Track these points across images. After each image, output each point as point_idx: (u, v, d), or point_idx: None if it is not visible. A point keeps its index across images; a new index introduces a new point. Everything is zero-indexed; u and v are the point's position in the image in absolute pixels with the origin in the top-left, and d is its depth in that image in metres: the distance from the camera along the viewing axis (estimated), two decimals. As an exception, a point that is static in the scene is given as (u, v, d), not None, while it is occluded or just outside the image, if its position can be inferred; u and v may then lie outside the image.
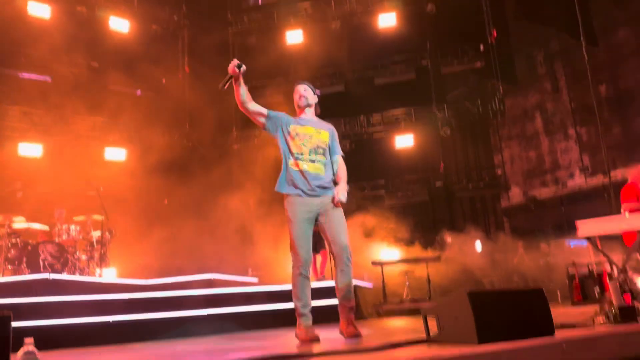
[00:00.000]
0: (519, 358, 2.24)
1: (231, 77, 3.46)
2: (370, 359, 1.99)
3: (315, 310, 3.67)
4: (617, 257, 5.31)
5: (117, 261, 8.50)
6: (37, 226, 7.45)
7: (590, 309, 4.21)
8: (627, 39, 13.52)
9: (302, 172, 3.59)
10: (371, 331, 4.57)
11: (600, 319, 3.14)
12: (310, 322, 3.55)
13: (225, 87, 3.53)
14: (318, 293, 4.65)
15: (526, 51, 15.56)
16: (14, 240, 6.99)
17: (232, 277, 7.67)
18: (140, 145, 11.36)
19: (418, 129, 12.86)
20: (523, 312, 2.53)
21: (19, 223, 7.23)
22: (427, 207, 13.67)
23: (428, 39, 12.91)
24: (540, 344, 2.34)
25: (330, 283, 5.31)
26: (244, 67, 3.44)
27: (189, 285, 6.42)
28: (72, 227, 7.48)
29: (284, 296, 4.70)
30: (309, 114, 3.85)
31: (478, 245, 12.07)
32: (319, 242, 6.82)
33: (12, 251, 6.91)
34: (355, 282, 7.21)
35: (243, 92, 3.58)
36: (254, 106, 3.69)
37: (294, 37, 12.75)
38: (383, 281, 8.36)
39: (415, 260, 8.82)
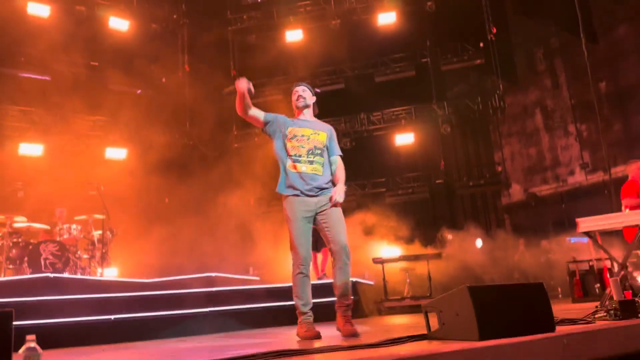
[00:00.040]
0: (520, 353, 2.24)
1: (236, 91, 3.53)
2: (371, 355, 1.99)
3: (316, 308, 3.68)
4: (617, 253, 5.32)
5: (118, 260, 8.51)
6: (38, 225, 7.45)
7: (591, 305, 4.22)
8: (627, 36, 13.50)
9: (300, 173, 3.60)
10: (372, 328, 4.58)
11: (601, 314, 3.15)
12: (311, 319, 3.56)
13: (229, 94, 3.58)
14: (319, 291, 4.65)
15: (526, 48, 15.55)
16: (15, 240, 7.00)
17: (233, 276, 7.68)
18: (141, 144, 11.36)
19: (418, 126, 12.85)
20: (524, 307, 2.54)
21: (20, 222, 7.23)
22: (428, 204, 13.66)
23: (428, 37, 12.89)
24: (541, 339, 2.35)
25: (331, 281, 5.31)
26: (252, 91, 3.53)
27: (190, 283, 6.43)
28: (73, 226, 7.49)
29: (285, 294, 4.71)
30: (307, 114, 3.86)
31: (479, 243, 12.08)
32: (319, 240, 6.82)
33: (14, 250, 6.92)
34: (356, 279, 7.24)
35: (245, 105, 3.64)
36: (252, 112, 3.71)
37: (294, 35, 12.74)
38: (384, 279, 8.37)
39: (416, 258, 8.84)
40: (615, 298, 3.36)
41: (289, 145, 3.65)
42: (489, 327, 2.34)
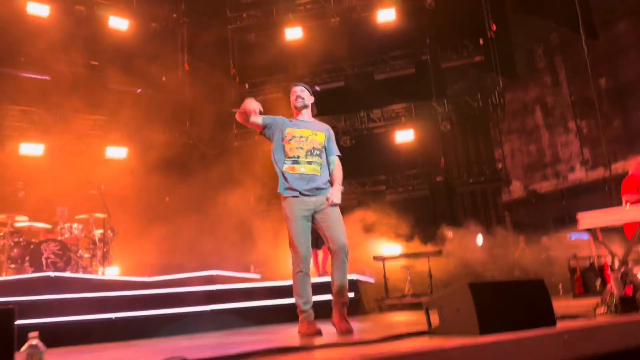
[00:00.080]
0: (521, 349, 2.25)
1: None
2: (372, 351, 2.00)
3: (317, 305, 3.70)
4: (618, 249, 5.32)
5: (119, 259, 8.53)
6: (39, 225, 7.46)
7: (592, 302, 4.23)
8: (626, 32, 13.49)
9: (298, 175, 3.62)
10: (373, 325, 4.59)
11: (602, 310, 3.15)
12: (312, 317, 3.58)
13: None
14: (319, 288, 4.67)
15: (526, 45, 15.53)
16: (16, 239, 7.01)
17: (234, 274, 7.70)
18: (141, 143, 11.37)
19: (418, 123, 12.84)
20: (524, 303, 2.54)
21: (22, 222, 7.24)
22: (428, 201, 13.67)
23: (427, 34, 12.87)
24: (542, 334, 2.36)
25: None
26: (261, 111, 3.62)
27: (192, 282, 6.45)
28: (75, 225, 7.50)
29: (286, 292, 4.71)
30: (306, 115, 3.88)
31: (479, 240, 12.08)
32: (319, 238, 6.83)
33: (15, 250, 6.93)
34: (357, 277, 7.25)
35: (250, 120, 3.70)
36: (252, 119, 3.73)
37: (293, 33, 12.73)
38: (385, 276, 8.39)
39: (417, 255, 8.85)
40: (615, 294, 3.37)
41: (287, 147, 3.66)
42: (490, 323, 2.34)
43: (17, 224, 7.19)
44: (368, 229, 10.69)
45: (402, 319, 5.41)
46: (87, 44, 11.19)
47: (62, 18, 10.71)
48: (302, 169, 3.62)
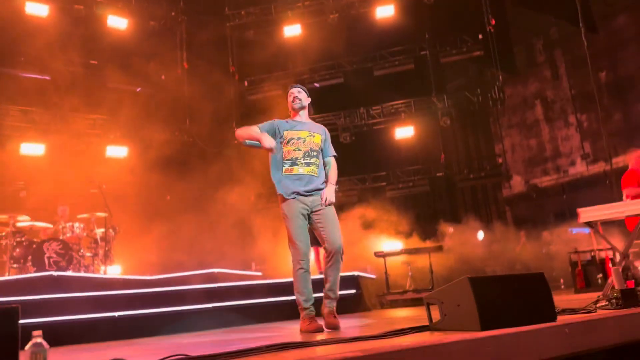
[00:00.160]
0: (522, 343, 2.26)
1: (258, 145, 3.65)
2: (374, 346, 2.01)
3: (318, 302, 3.71)
4: (618, 243, 5.33)
5: (121, 258, 8.54)
6: (41, 224, 7.48)
7: (593, 296, 4.24)
8: (626, 25, 13.46)
9: (296, 176, 3.66)
10: (375, 321, 4.61)
11: (603, 303, 3.16)
12: (313, 314, 3.61)
13: (250, 146, 3.78)
14: (320, 285, 4.67)
15: (525, 39, 15.51)
16: (18, 239, 7.03)
17: (235, 271, 7.72)
18: (141, 142, 11.37)
19: (418, 119, 12.83)
20: (525, 297, 2.55)
21: (23, 222, 7.26)
22: (429, 197, 13.67)
23: (426, 29, 12.83)
24: (543, 328, 2.36)
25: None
26: (275, 150, 3.67)
27: (194, 280, 6.47)
28: (76, 224, 7.51)
29: (287, 289, 4.72)
30: (303, 116, 3.91)
31: (480, 235, 12.09)
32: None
33: (17, 250, 6.95)
34: (358, 273, 7.27)
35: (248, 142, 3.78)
36: (253, 136, 3.75)
37: (292, 30, 12.71)
38: (386, 272, 8.40)
39: (418, 251, 8.85)
40: (617, 287, 3.37)
41: (285, 149, 3.71)
42: (491, 317, 2.35)
43: (19, 224, 7.21)
44: (368, 226, 10.70)
45: (404, 315, 5.43)
46: (86, 43, 11.18)
47: (61, 17, 10.69)
48: (301, 170, 3.67)
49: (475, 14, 12.39)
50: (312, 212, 3.67)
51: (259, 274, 8.84)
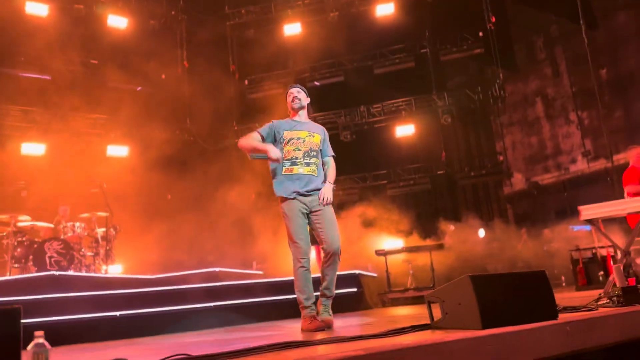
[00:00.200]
0: (523, 341, 2.26)
1: (265, 157, 3.68)
2: (376, 345, 2.01)
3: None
4: (619, 240, 5.33)
5: (122, 257, 8.55)
6: (42, 224, 7.48)
7: (595, 293, 4.23)
8: (627, 22, 13.43)
9: (296, 176, 3.68)
10: (376, 319, 4.61)
11: (604, 301, 3.16)
12: (314, 312, 3.62)
13: (257, 158, 3.83)
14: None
15: (526, 37, 15.49)
16: (20, 239, 7.03)
17: (236, 270, 7.72)
18: (142, 141, 11.37)
19: (419, 117, 12.82)
20: (526, 295, 2.55)
21: (24, 222, 7.26)
22: (430, 195, 13.67)
23: (427, 27, 12.82)
24: (544, 326, 2.36)
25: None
26: (281, 160, 3.68)
27: (195, 279, 6.47)
28: (77, 224, 7.51)
29: (288, 287, 4.74)
30: (303, 116, 3.93)
31: (481, 233, 12.09)
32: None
33: (19, 249, 6.95)
34: (359, 271, 7.28)
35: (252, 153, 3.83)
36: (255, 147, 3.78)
37: (292, 28, 12.70)
38: (387, 270, 8.39)
39: (419, 249, 8.85)
40: (618, 285, 3.37)
41: (285, 149, 3.73)
42: (492, 315, 2.35)
43: (20, 224, 7.21)
44: (369, 224, 10.69)
45: (405, 313, 5.43)
46: (87, 42, 11.19)
47: (61, 17, 10.70)
48: (301, 169, 3.69)
49: (476, 11, 12.38)
50: (310, 212, 3.69)
51: (261, 272, 8.84)
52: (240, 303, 5.80)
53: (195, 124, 12.27)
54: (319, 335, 3.03)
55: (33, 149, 10.29)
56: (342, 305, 6.19)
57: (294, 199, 3.65)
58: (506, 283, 2.59)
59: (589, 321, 2.53)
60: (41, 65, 10.52)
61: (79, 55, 11.03)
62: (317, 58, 12.76)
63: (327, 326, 3.54)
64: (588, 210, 5.05)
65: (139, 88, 12.05)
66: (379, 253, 8.66)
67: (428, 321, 2.69)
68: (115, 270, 7.90)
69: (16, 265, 6.92)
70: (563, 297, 5.22)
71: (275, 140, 3.79)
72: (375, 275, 8.47)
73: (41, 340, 1.76)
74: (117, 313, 5.01)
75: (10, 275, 6.69)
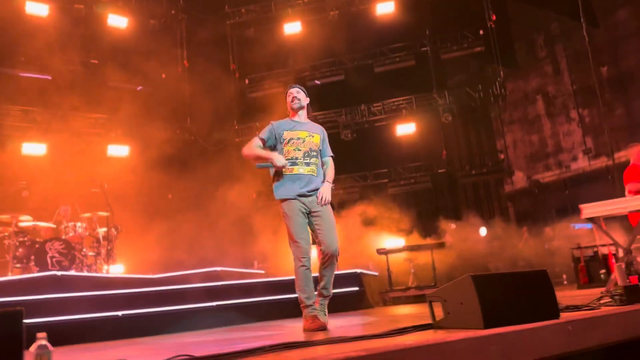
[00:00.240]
0: (525, 340, 2.26)
1: (270, 166, 3.72)
2: (377, 345, 2.01)
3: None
4: (620, 238, 5.32)
5: (123, 257, 8.56)
6: (43, 224, 7.49)
7: (596, 291, 4.23)
8: (627, 20, 13.41)
9: (296, 176, 3.69)
10: (377, 318, 4.61)
11: (606, 300, 3.15)
12: (316, 311, 3.62)
13: (262, 167, 3.83)
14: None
15: (526, 34, 15.46)
16: (21, 239, 7.04)
17: (238, 270, 7.72)
18: (142, 141, 11.37)
19: (419, 116, 12.81)
20: (528, 295, 2.55)
21: (26, 222, 7.27)
22: (430, 194, 13.67)
23: (427, 25, 12.81)
24: (546, 325, 2.36)
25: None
26: (286, 166, 3.71)
27: (197, 278, 6.47)
28: (78, 224, 7.52)
29: (290, 287, 4.75)
30: (302, 116, 3.93)
31: (482, 231, 12.08)
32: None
33: (20, 249, 6.96)
34: (360, 270, 7.28)
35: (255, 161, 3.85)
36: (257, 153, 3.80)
37: (292, 27, 12.69)
38: (388, 269, 8.39)
39: (420, 248, 8.85)
40: (619, 283, 3.37)
41: (285, 149, 3.74)
42: (494, 315, 2.35)
43: (21, 224, 7.22)
44: (370, 223, 10.69)
45: (406, 312, 5.43)
46: (87, 42, 11.19)
47: (61, 17, 10.69)
48: (301, 170, 3.70)
49: (476, 9, 12.36)
50: (310, 212, 3.69)
51: (262, 272, 8.85)
52: (241, 303, 5.80)
53: (196, 124, 12.27)
54: (321, 335, 3.03)
55: (34, 149, 10.29)
56: (343, 304, 6.19)
57: (294, 199, 3.66)
58: (508, 282, 2.59)
59: (591, 320, 2.53)
60: (41, 65, 10.52)
61: (79, 55, 11.03)
62: (318, 57, 12.75)
63: (322, 327, 3.53)
64: (589, 209, 5.05)
65: (139, 88, 12.05)
66: (380, 252, 8.66)
67: (430, 320, 2.69)
68: (116, 270, 7.90)
69: (18, 265, 6.93)
70: (564, 295, 5.22)
71: (276, 141, 3.79)
72: (376, 274, 8.47)
73: (44, 342, 1.76)
74: (119, 313, 5.01)
75: (11, 275, 6.69)
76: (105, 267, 7.50)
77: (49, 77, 10.75)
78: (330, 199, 3.72)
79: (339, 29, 12.31)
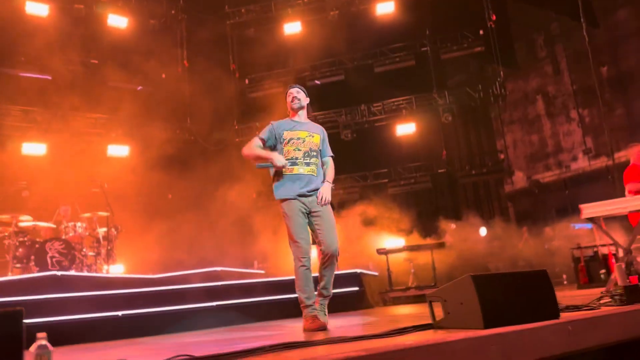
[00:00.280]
0: (525, 340, 2.26)
1: (270, 166, 3.72)
2: (377, 345, 2.01)
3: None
4: (620, 238, 5.32)
5: (123, 257, 8.56)
6: (43, 224, 7.49)
7: (596, 291, 4.23)
8: (627, 20, 13.41)
9: (296, 176, 3.69)
10: (377, 318, 4.61)
11: (606, 300, 3.15)
12: (316, 311, 3.62)
13: (262, 167, 3.84)
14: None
15: (526, 34, 15.46)
16: (21, 239, 7.04)
17: (238, 270, 7.72)
18: (142, 141, 11.37)
19: (419, 116, 12.82)
20: (528, 295, 2.55)
21: (26, 222, 7.27)
22: (430, 194, 13.67)
23: (427, 25, 12.81)
24: (546, 325, 2.36)
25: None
26: (287, 167, 3.71)
27: (197, 278, 6.47)
28: (78, 224, 7.52)
29: (290, 287, 4.76)
30: (302, 116, 3.94)
31: (482, 231, 12.08)
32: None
33: (20, 249, 6.96)
34: (360, 270, 7.28)
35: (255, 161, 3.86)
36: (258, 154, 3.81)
37: (292, 27, 12.69)
38: (388, 269, 8.39)
39: (420, 248, 8.85)
40: (619, 283, 3.37)
41: (285, 149, 3.74)
42: (494, 315, 2.35)
43: (21, 224, 7.22)
44: (370, 223, 10.69)
45: (406, 312, 5.43)
46: (87, 42, 11.19)
47: (61, 17, 10.70)
48: (301, 170, 3.70)
49: (476, 9, 12.36)
50: (310, 212, 3.69)
51: (262, 272, 8.85)
52: (241, 303, 5.80)
53: (196, 123, 12.27)
54: (321, 336, 3.03)
55: (34, 148, 10.29)
56: (343, 304, 6.19)
57: (294, 199, 3.66)
58: (508, 282, 2.59)
59: (591, 320, 2.53)
60: (41, 65, 10.52)
61: (79, 55, 11.03)
62: (318, 57, 12.75)
63: (321, 327, 3.53)
64: (589, 209, 5.05)
65: (139, 87, 12.05)
66: (380, 252, 8.66)
67: (430, 320, 2.69)
68: (116, 270, 7.90)
69: (18, 265, 6.93)
70: (564, 295, 5.22)
71: (276, 141, 3.79)
72: (376, 274, 8.47)
73: (44, 342, 1.76)
74: (119, 313, 5.01)
75: (11, 275, 6.69)
76: (105, 267, 7.50)
77: (49, 77, 10.75)
78: (330, 199, 3.73)
79: (339, 29, 12.31)
